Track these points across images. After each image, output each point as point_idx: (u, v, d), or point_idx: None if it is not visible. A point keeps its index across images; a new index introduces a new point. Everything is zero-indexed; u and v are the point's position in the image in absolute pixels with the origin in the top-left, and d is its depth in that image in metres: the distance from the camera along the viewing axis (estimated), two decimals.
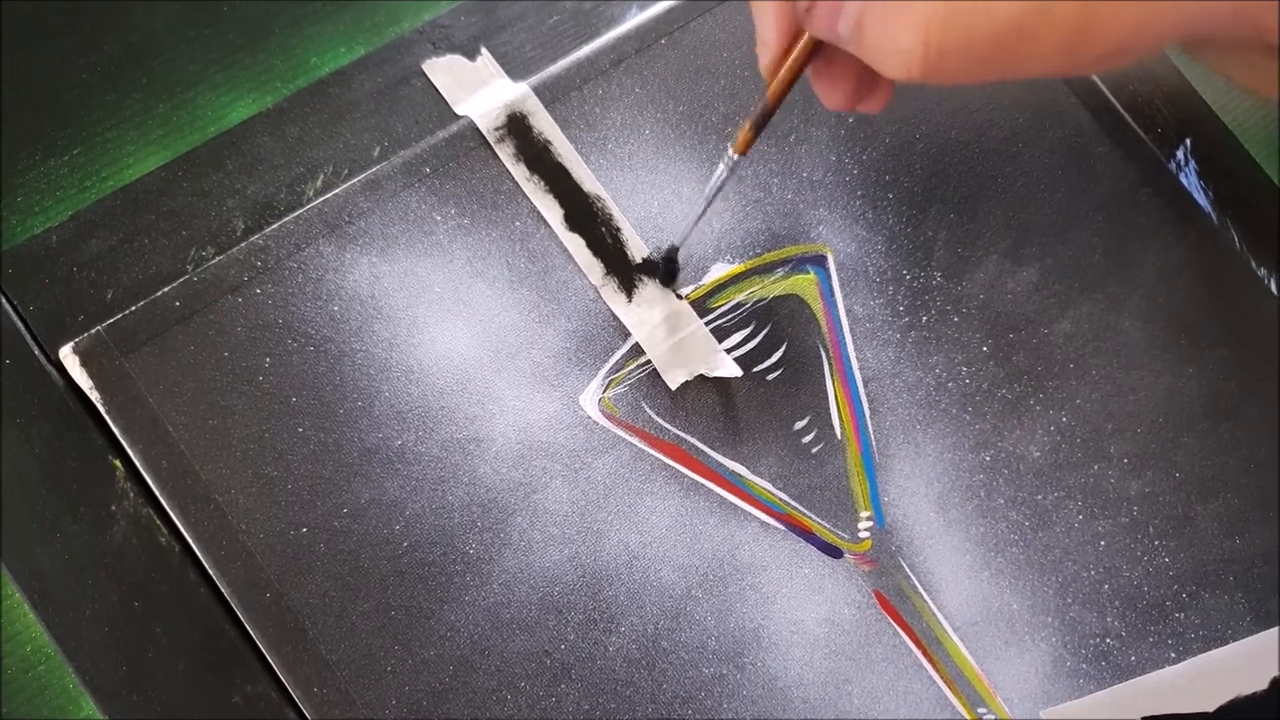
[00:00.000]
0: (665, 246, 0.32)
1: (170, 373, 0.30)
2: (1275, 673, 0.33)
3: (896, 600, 0.32)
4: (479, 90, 0.34)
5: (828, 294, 0.34)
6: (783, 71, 0.27)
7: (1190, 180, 0.37)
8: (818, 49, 0.26)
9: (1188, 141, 0.38)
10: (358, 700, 0.29)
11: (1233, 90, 0.39)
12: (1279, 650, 0.33)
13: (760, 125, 0.28)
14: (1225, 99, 0.39)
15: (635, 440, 0.32)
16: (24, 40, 0.34)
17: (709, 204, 0.31)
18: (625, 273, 0.33)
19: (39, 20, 0.34)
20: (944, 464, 0.34)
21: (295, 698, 0.29)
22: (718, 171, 0.30)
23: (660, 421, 0.32)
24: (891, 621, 0.32)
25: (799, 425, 0.33)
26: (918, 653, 0.32)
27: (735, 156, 0.29)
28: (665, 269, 0.33)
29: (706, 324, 0.33)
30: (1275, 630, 0.33)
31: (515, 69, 0.34)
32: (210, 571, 0.29)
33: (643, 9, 0.35)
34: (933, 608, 0.32)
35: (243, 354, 0.30)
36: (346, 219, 0.32)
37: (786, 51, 0.26)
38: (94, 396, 0.30)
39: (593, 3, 0.35)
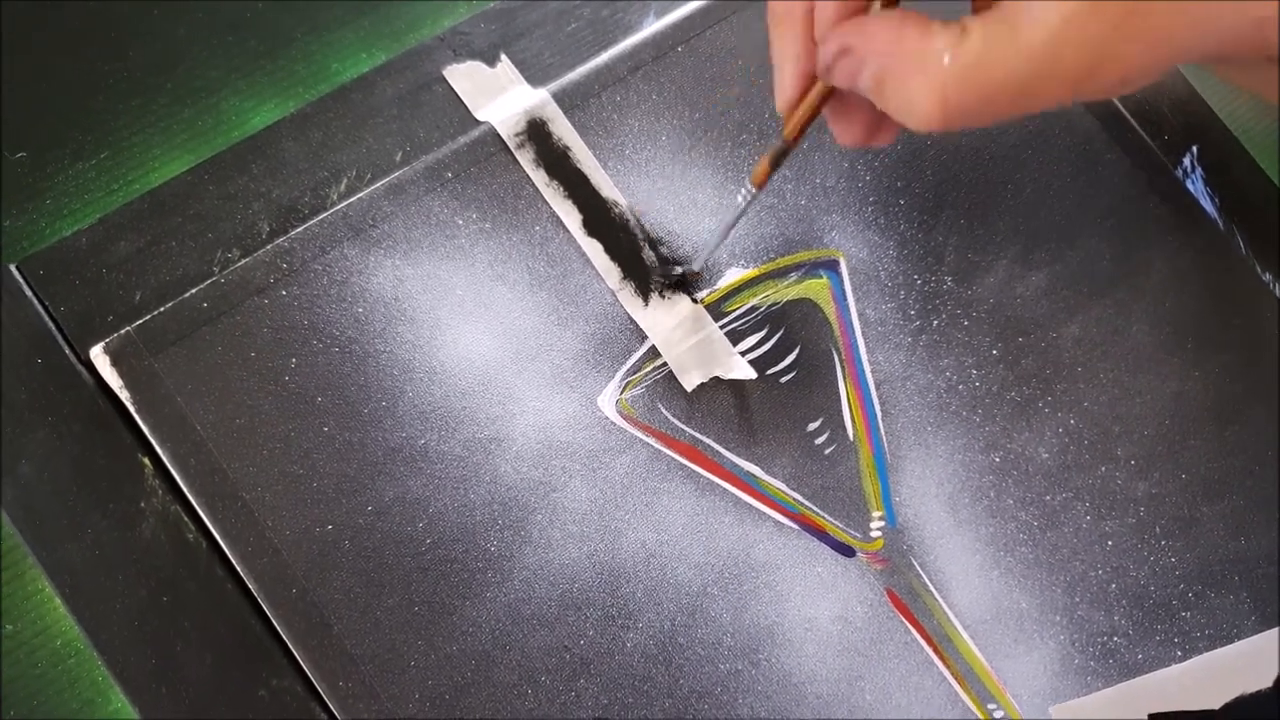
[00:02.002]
0: (678, 270, 0.33)
1: (198, 372, 0.31)
2: (1279, 671, 0.33)
3: (908, 598, 0.33)
4: (499, 96, 0.35)
5: (840, 298, 0.35)
6: (799, 113, 0.27)
7: (1197, 187, 0.38)
8: (833, 92, 0.27)
9: (1194, 149, 0.38)
10: (382, 694, 0.29)
11: (1239, 98, 0.40)
12: None
13: (778, 161, 0.29)
14: (1231, 106, 0.39)
15: (652, 441, 0.33)
16: (53, 47, 0.34)
17: (727, 233, 0.32)
18: (642, 277, 0.34)
19: (67, 28, 0.34)
20: (954, 465, 0.34)
21: (320, 691, 0.29)
22: (737, 203, 0.30)
23: (676, 423, 0.33)
24: (903, 619, 0.33)
25: (812, 427, 0.34)
26: (929, 650, 0.33)
27: (753, 190, 0.30)
28: (683, 284, 0.33)
29: (721, 327, 0.34)
30: (1279, 629, 0.34)
31: (534, 76, 0.35)
32: (237, 567, 0.30)
33: (659, 17, 0.36)
34: (943, 606, 0.33)
35: (269, 354, 0.31)
36: (370, 222, 0.32)
37: (804, 94, 0.27)
38: (123, 396, 0.30)
39: (610, 11, 0.36)
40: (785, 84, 0.27)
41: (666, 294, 0.33)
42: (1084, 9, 0.22)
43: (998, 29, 0.23)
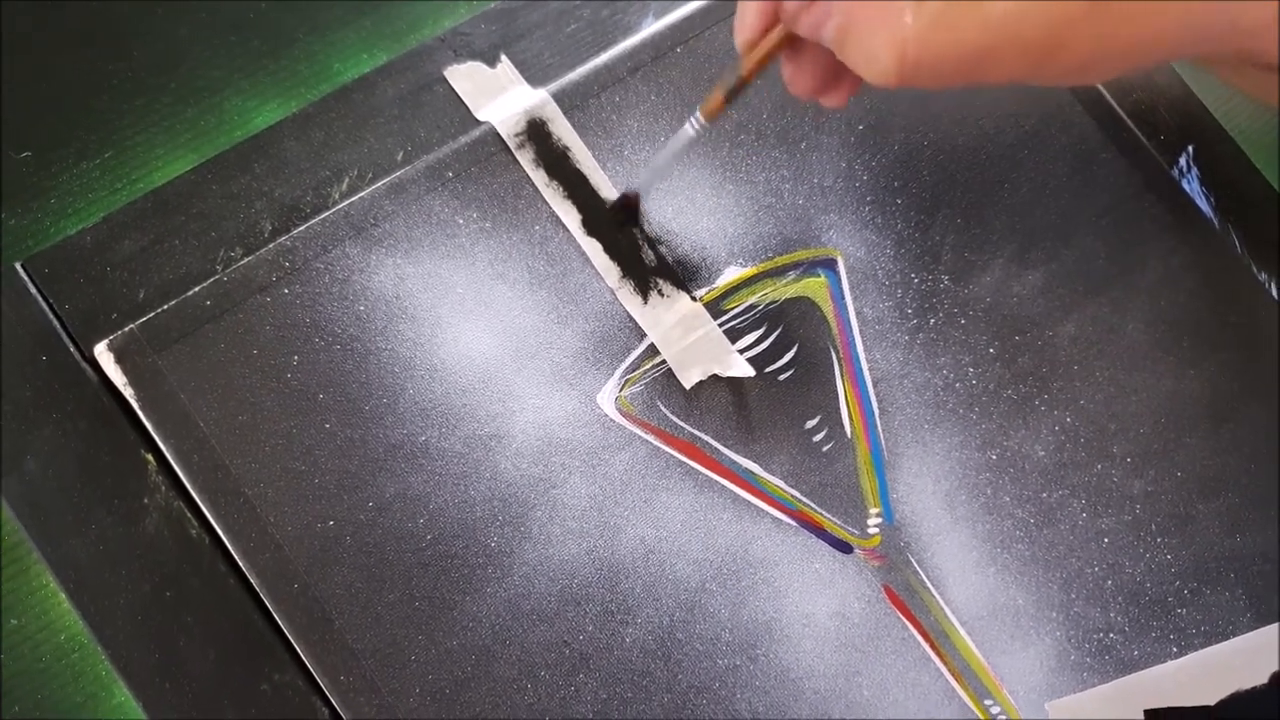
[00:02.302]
0: (623, 189, 0.33)
1: (201, 370, 0.31)
2: (1275, 668, 0.33)
3: (905, 595, 0.33)
4: (499, 97, 0.35)
5: (838, 297, 0.35)
6: (757, 52, 0.28)
7: (1192, 186, 0.38)
8: (792, 37, 0.27)
9: (1190, 148, 0.39)
10: (383, 689, 0.30)
11: (1235, 98, 0.40)
12: (1278, 646, 0.34)
13: (732, 96, 0.29)
14: (1227, 107, 0.40)
15: (651, 438, 0.33)
16: (57, 47, 0.34)
17: (672, 163, 0.32)
18: (641, 275, 0.34)
19: (71, 28, 0.35)
20: (951, 462, 0.34)
21: (322, 686, 0.30)
22: (683, 132, 0.31)
23: (675, 420, 0.33)
24: (900, 615, 0.33)
25: (810, 424, 0.34)
26: (926, 646, 0.33)
27: (703, 121, 0.30)
28: (619, 212, 0.33)
29: (720, 325, 0.34)
30: (1274, 626, 0.34)
31: (534, 76, 0.35)
32: (240, 563, 0.30)
33: (658, 18, 0.36)
34: (940, 602, 0.33)
35: (271, 352, 0.31)
36: (372, 221, 0.33)
37: (764, 33, 0.28)
38: (127, 392, 0.30)
39: (610, 12, 0.36)
40: (746, 23, 0.28)
41: (665, 292, 0.34)
42: None
43: None
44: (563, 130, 0.34)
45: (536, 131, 0.34)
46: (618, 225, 0.34)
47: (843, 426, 0.34)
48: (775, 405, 0.34)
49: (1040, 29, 0.23)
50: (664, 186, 0.35)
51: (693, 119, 0.30)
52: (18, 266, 0.31)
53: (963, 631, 0.33)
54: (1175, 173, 0.38)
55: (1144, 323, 0.36)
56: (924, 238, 0.36)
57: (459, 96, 0.35)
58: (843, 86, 0.29)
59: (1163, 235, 0.37)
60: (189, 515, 0.30)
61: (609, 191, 0.34)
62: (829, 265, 0.35)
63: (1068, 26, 0.23)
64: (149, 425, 0.30)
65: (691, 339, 0.34)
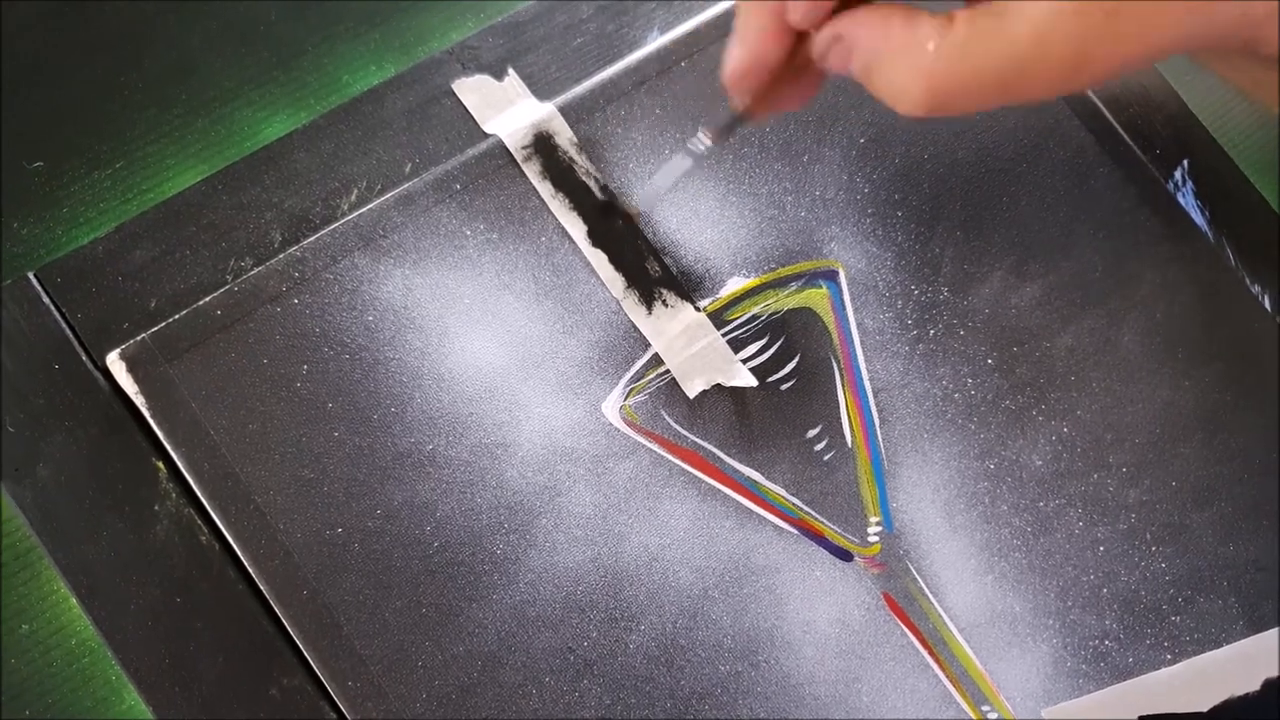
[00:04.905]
0: (627, 205, 0.34)
1: (212, 379, 0.31)
2: (1268, 674, 0.34)
3: (904, 602, 0.34)
4: (506, 110, 0.35)
5: (839, 308, 0.36)
6: (761, 84, 0.28)
7: (1188, 200, 0.39)
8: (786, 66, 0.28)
9: (1185, 163, 0.39)
10: (390, 694, 0.30)
11: (1230, 113, 0.41)
12: (1276, 652, 0.34)
13: (735, 126, 0.30)
14: (1222, 122, 0.40)
15: (655, 446, 0.33)
16: (69, 57, 0.35)
17: (670, 187, 0.33)
18: (646, 286, 0.34)
19: (82, 39, 0.35)
20: (950, 471, 0.35)
21: (330, 691, 0.30)
22: (683, 156, 0.31)
23: (679, 429, 0.34)
24: (899, 623, 0.33)
25: (811, 434, 0.34)
26: (924, 653, 0.33)
27: (708, 144, 0.31)
28: (603, 212, 0.34)
29: (723, 335, 0.34)
30: (1267, 634, 0.34)
31: (541, 89, 0.36)
32: (249, 569, 0.30)
33: (663, 33, 0.37)
34: (939, 609, 0.34)
35: (281, 361, 0.32)
36: (380, 233, 0.33)
37: (762, 60, 0.27)
38: (139, 401, 0.31)
39: (615, 26, 0.37)
40: (744, 55, 0.27)
41: (669, 302, 0.34)
42: (1070, 6, 0.23)
43: (985, 21, 0.23)
44: (568, 143, 0.35)
45: (543, 144, 0.35)
46: (603, 222, 0.34)
47: (843, 436, 0.35)
48: (777, 415, 0.34)
49: (1067, 45, 0.23)
50: (669, 198, 0.35)
51: (695, 142, 0.31)
52: (31, 276, 0.32)
53: (961, 638, 0.34)
54: (1171, 186, 0.39)
55: (1140, 334, 0.37)
56: (924, 250, 0.36)
57: (466, 109, 0.35)
58: (801, 89, 0.29)
59: (1158, 248, 0.38)
60: (199, 522, 0.31)
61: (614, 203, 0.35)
62: (830, 277, 0.36)
63: (1093, 39, 0.23)
64: (160, 433, 0.31)
65: (695, 349, 0.34)
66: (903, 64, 0.24)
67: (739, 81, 0.28)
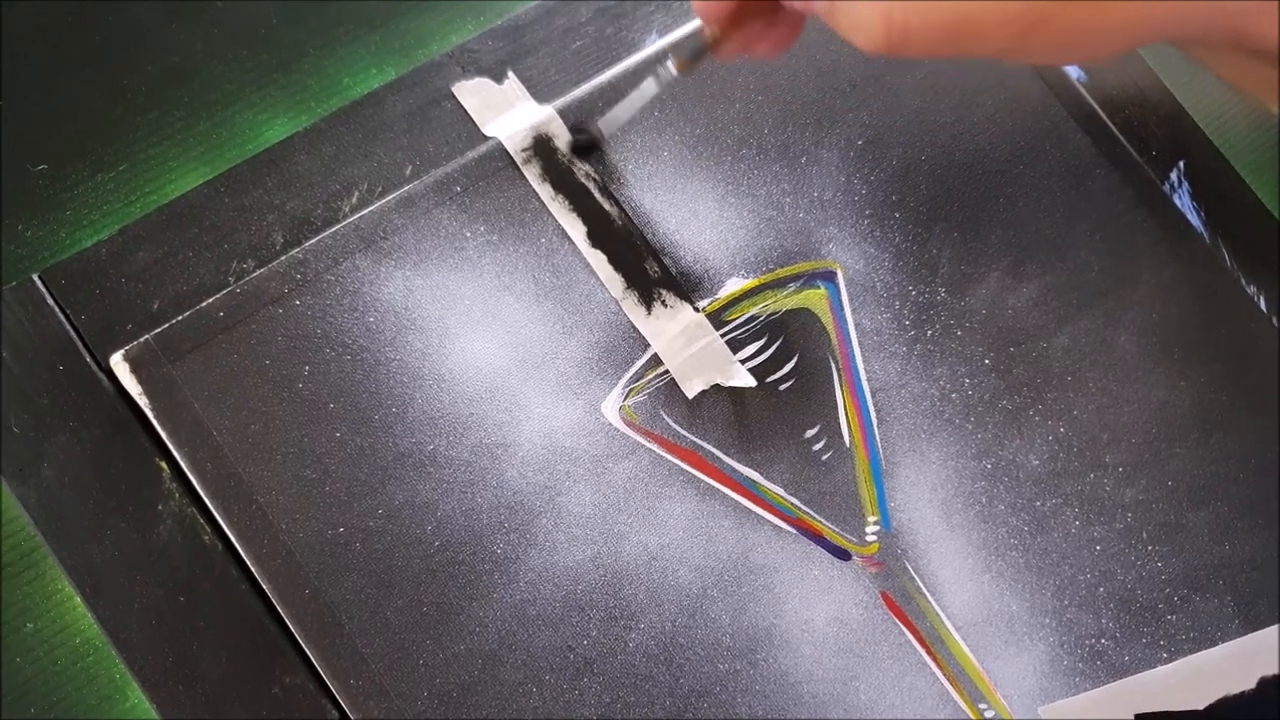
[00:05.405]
0: (586, 124, 0.34)
1: (214, 379, 0.31)
2: (1263, 673, 0.34)
3: (902, 601, 0.34)
4: (506, 112, 0.36)
5: (837, 308, 0.36)
6: (728, 12, 0.29)
7: (1184, 201, 0.39)
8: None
9: (1181, 164, 0.39)
10: (391, 692, 0.30)
11: (1225, 114, 0.41)
12: (1272, 650, 0.34)
13: (700, 57, 0.31)
14: (1218, 123, 0.40)
15: (654, 446, 0.34)
16: (72, 61, 0.35)
17: (634, 110, 0.34)
18: (645, 287, 0.35)
19: (86, 42, 0.35)
20: (947, 471, 0.35)
21: (332, 689, 0.30)
22: (650, 83, 0.32)
23: (678, 429, 0.34)
24: (897, 621, 0.34)
25: (810, 433, 0.35)
26: (922, 651, 0.34)
27: (674, 73, 0.32)
28: (575, 141, 0.34)
29: (722, 336, 0.35)
30: (1263, 633, 0.35)
31: (540, 92, 0.36)
32: (252, 569, 0.31)
33: (662, 36, 0.37)
34: (936, 608, 0.34)
35: (283, 362, 0.32)
36: (381, 235, 0.33)
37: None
38: (142, 402, 0.31)
39: (615, 29, 0.37)
40: None
41: (668, 303, 0.34)
42: None
43: None
44: (567, 145, 0.35)
45: (542, 147, 0.35)
46: (573, 155, 0.34)
47: (841, 436, 0.35)
48: (776, 415, 0.35)
49: (1023, 6, 0.23)
50: (668, 199, 0.35)
51: (663, 67, 0.32)
52: (35, 278, 0.32)
53: (958, 637, 0.34)
54: (1167, 188, 0.39)
55: (1136, 334, 0.37)
56: (921, 251, 0.37)
57: (467, 112, 0.36)
58: (773, 42, 0.30)
59: (1154, 249, 0.38)
60: (202, 522, 0.31)
61: (613, 205, 0.35)
62: (829, 277, 0.36)
63: (1050, 5, 0.23)
64: (163, 433, 0.31)
65: (694, 349, 0.34)
66: (868, 3, 0.25)
67: (707, 8, 0.29)
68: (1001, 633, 0.34)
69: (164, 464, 0.31)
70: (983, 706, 0.33)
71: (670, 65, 0.31)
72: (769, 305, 0.35)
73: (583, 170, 0.35)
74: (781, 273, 0.36)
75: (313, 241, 0.33)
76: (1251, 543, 0.36)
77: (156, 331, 0.32)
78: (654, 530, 0.33)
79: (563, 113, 0.35)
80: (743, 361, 0.35)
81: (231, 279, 0.33)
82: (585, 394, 0.34)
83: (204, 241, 0.33)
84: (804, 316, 0.35)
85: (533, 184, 0.35)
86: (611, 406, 0.34)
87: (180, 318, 0.32)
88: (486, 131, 0.35)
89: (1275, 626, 0.35)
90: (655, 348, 0.34)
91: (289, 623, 0.30)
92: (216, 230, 0.34)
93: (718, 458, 0.34)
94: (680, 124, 0.36)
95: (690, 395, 0.34)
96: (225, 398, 0.31)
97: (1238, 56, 0.26)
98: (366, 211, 0.34)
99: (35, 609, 0.31)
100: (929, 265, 0.37)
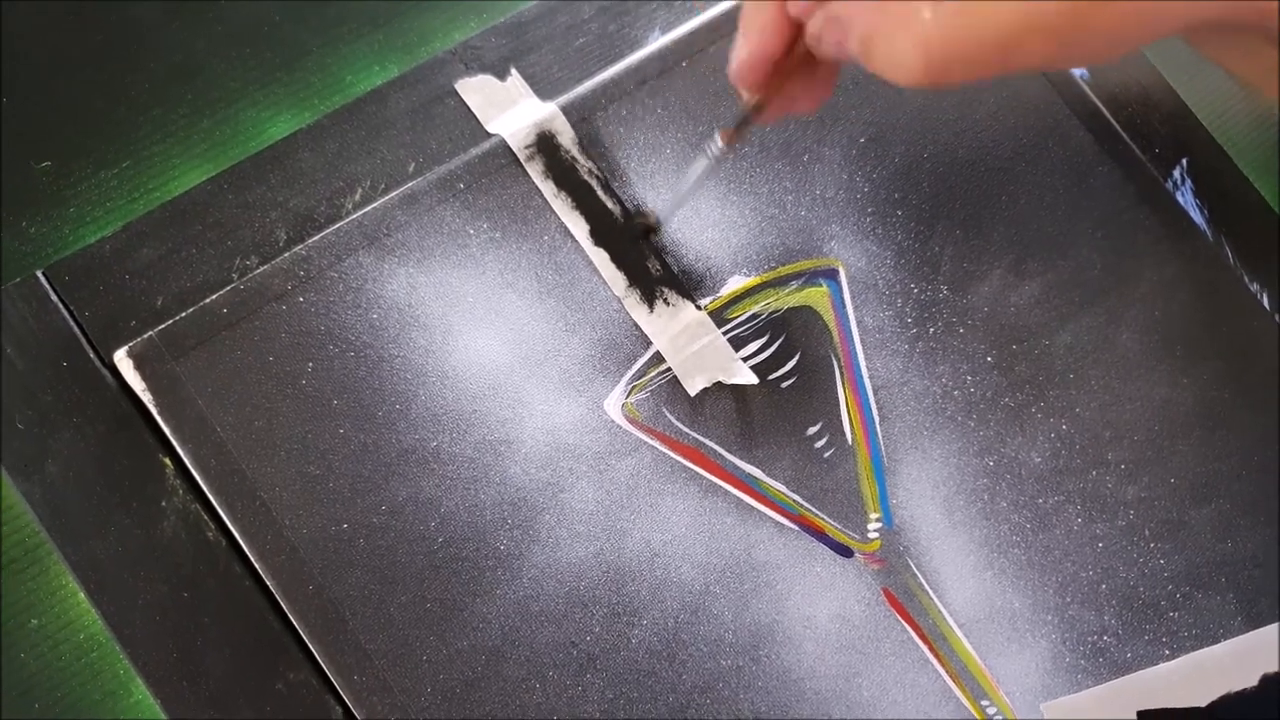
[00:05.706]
0: (647, 212, 0.34)
1: (218, 376, 0.32)
2: (1266, 670, 0.34)
3: (904, 598, 0.34)
4: (509, 109, 0.36)
5: (839, 306, 0.36)
6: (775, 74, 0.28)
7: (1186, 199, 0.39)
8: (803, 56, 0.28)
9: (1184, 161, 0.39)
10: (395, 688, 0.30)
11: (1229, 111, 0.41)
12: (1274, 647, 0.34)
13: (747, 124, 0.30)
14: (1221, 120, 0.40)
15: (656, 444, 0.34)
16: (75, 59, 0.35)
17: (693, 190, 0.33)
18: (647, 285, 0.35)
19: (89, 40, 0.35)
20: (950, 468, 0.35)
21: (336, 685, 0.30)
22: (700, 160, 0.32)
23: (680, 426, 0.34)
24: (899, 618, 0.34)
25: (812, 431, 0.35)
26: (924, 648, 0.34)
27: (721, 146, 0.31)
28: (633, 227, 0.34)
29: (724, 333, 0.35)
30: (1265, 630, 0.35)
31: (543, 89, 0.36)
32: (255, 565, 0.31)
33: (665, 33, 0.37)
34: (939, 605, 0.34)
35: (287, 359, 0.32)
36: (385, 231, 0.33)
37: (766, 53, 0.28)
38: (146, 398, 0.31)
39: (617, 26, 0.37)
40: (747, 48, 0.28)
41: (670, 301, 0.34)
42: None
43: None
44: (571, 142, 0.35)
45: (545, 144, 0.35)
46: (630, 241, 0.34)
47: (844, 433, 0.35)
48: (778, 412, 0.35)
49: (1062, 12, 0.23)
50: (671, 197, 0.35)
51: (711, 142, 0.31)
52: (39, 275, 0.32)
53: (960, 634, 0.34)
54: (1170, 185, 0.39)
55: (1138, 332, 0.37)
56: (923, 248, 0.37)
57: (470, 109, 0.36)
58: (814, 90, 0.29)
59: (1157, 246, 0.38)
60: (206, 518, 0.31)
61: (616, 202, 0.35)
62: (831, 275, 0.36)
63: (1088, 5, 0.23)
64: (167, 430, 0.31)
65: (696, 347, 0.34)
66: (899, 35, 0.24)
67: (745, 75, 0.28)
68: (1004, 630, 0.34)
69: (168, 460, 0.31)
70: (985, 703, 0.33)
71: (717, 139, 0.31)
72: (771, 303, 0.35)
73: (585, 167, 0.35)
74: (783, 270, 0.36)
75: (316, 238, 0.33)
76: (1254, 540, 0.36)
77: (160, 328, 0.32)
78: (656, 527, 0.33)
79: (566, 109, 0.35)
80: (745, 359, 0.35)
81: (235, 275, 0.33)
82: (588, 391, 0.34)
83: (207, 238, 0.33)
84: (806, 314, 0.36)
85: (536, 181, 0.35)
86: (614, 404, 0.34)
87: (184, 314, 0.32)
88: (489, 129, 0.35)
89: (1277, 624, 0.35)
90: (657, 345, 0.34)
91: (293, 619, 0.30)
92: (220, 227, 0.34)
93: (720, 455, 0.34)
94: (683, 122, 0.36)
95: (692, 393, 0.34)
96: (229, 394, 0.31)
97: (1257, 43, 0.26)
98: (370, 208, 0.34)
99: (39, 605, 0.31)
100: (931, 263, 0.37)
